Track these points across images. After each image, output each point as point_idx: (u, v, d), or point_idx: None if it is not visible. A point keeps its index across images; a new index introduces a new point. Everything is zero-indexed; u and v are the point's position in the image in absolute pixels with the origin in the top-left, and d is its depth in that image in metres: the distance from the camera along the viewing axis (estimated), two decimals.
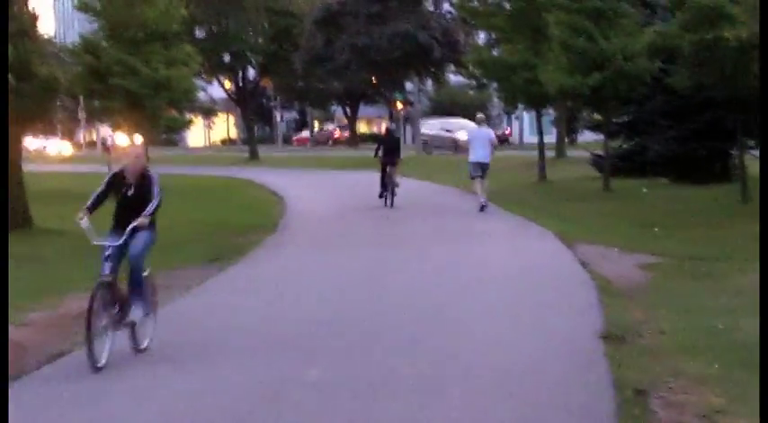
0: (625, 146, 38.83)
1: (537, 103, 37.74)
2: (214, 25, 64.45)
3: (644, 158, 37.06)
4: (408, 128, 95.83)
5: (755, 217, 24.65)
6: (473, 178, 28.32)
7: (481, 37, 54.31)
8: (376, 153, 30.93)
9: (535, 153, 58.65)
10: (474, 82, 41.21)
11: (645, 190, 32.46)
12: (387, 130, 34.06)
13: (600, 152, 40.11)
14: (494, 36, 42.47)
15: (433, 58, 57.54)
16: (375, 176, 31.71)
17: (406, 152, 64.33)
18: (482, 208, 27.30)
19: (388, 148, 30.69)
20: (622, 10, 32.34)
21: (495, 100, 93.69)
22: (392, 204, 29.44)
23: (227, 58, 66.65)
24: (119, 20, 39.66)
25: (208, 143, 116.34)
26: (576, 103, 37.02)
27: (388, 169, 30.19)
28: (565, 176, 39.46)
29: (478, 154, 28.20)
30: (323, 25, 59.21)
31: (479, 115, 30.33)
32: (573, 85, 31.45)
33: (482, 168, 28.02)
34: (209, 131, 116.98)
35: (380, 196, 30.10)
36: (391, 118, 65.50)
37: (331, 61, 59.06)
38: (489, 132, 29.17)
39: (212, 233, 23.19)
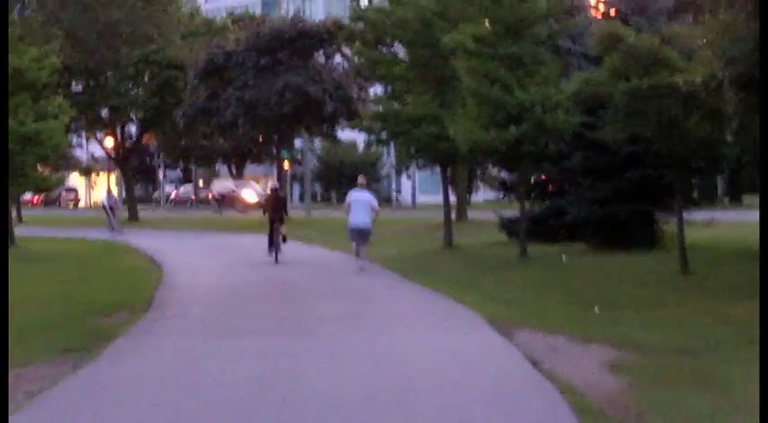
0: (537, 208, 35.75)
1: (444, 159, 34.36)
2: (91, 78, 60.39)
3: (559, 222, 33.96)
4: (296, 187, 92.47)
5: (704, 291, 21.73)
6: (352, 241, 28.21)
7: (375, 92, 51.12)
8: (264, 211, 32.71)
9: (433, 214, 56.13)
10: (370, 137, 37.46)
11: (564, 258, 29.23)
12: (272, 189, 34.63)
13: (509, 215, 37.15)
14: (391, 89, 39.11)
15: (326, 112, 54.10)
16: (263, 238, 32.47)
17: (293, 212, 61.23)
18: (360, 268, 27.23)
19: (275, 207, 32.07)
20: (541, 57, 29.27)
21: (386, 158, 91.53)
22: (277, 260, 30.67)
23: (105, 112, 62.56)
24: None
25: (88, 203, 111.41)
26: (488, 160, 33.62)
27: (275, 225, 31.54)
28: (472, 242, 36.17)
29: (357, 218, 27.93)
30: (207, 78, 55.44)
31: (361, 179, 29.77)
32: (487, 140, 28.18)
33: (361, 234, 27.90)
34: (91, 191, 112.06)
35: (269, 253, 31.37)
36: (278, 178, 62.01)
37: (216, 116, 55.28)
38: (370, 196, 28.72)
39: (73, 314, 19.16)
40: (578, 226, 32.30)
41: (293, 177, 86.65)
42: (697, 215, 30.49)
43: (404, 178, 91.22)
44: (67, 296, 21.81)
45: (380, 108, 35.91)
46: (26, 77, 35.83)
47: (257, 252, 34.71)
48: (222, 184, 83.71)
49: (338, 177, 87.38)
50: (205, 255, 34.25)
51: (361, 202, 28.17)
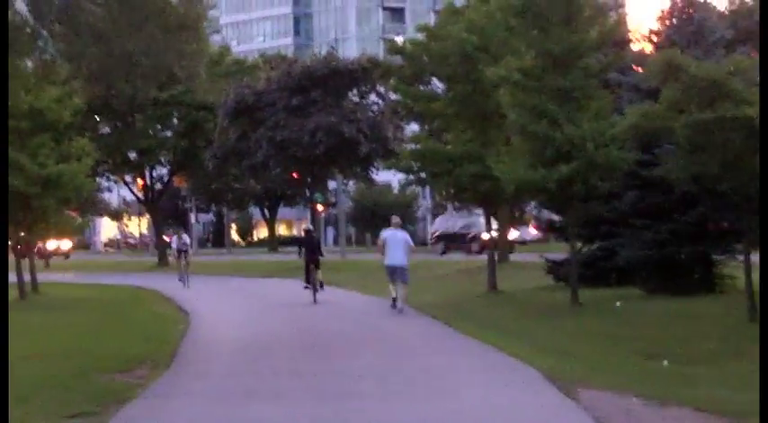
0: (585, 250, 33.80)
1: (486, 200, 32.47)
2: (118, 120, 59.07)
3: (610, 265, 32.01)
4: (330, 230, 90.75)
5: None
6: (390, 281, 27.97)
7: (412, 130, 49.38)
8: (299, 253, 33.63)
9: (473, 257, 54.30)
10: (408, 177, 35.60)
11: (618, 304, 27.26)
12: (306, 231, 35.55)
13: (555, 257, 35.25)
14: (427, 127, 37.32)
15: (360, 153, 52.41)
16: (296, 283, 33.47)
17: (328, 255, 59.52)
18: (395, 307, 27.27)
19: (310, 248, 32.70)
20: (591, 90, 27.42)
21: (422, 199, 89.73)
22: (315, 300, 31.12)
23: (133, 155, 61.19)
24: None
25: (119, 247, 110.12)
26: (536, 201, 31.72)
27: (311, 267, 32.09)
28: (517, 286, 34.23)
29: (395, 257, 27.66)
30: (237, 118, 53.87)
31: (395, 218, 29.46)
32: (535, 179, 26.33)
33: (398, 272, 27.61)
34: (123, 235, 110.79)
35: (306, 287, 31.97)
36: (312, 221, 60.47)
37: (247, 157, 53.68)
38: (405, 235, 28.66)
39: (85, 370, 17.31)
40: (631, 269, 30.38)
41: (327, 220, 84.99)
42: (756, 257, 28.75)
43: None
44: (82, 349, 19.96)
45: (418, 147, 34.06)
46: (47, 118, 34.41)
47: (291, 297, 33.35)
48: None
49: (372, 219, 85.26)
50: (237, 301, 32.47)
51: (397, 241, 27.98)
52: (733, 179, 22.32)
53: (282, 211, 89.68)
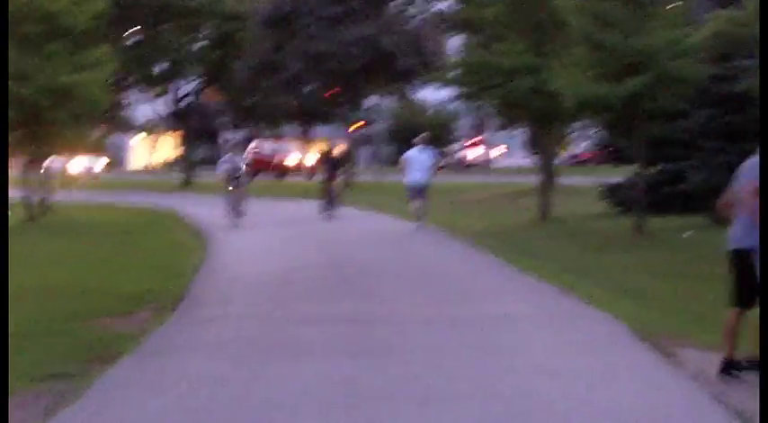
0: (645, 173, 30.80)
1: (543, 118, 29.40)
2: (146, 30, 56.14)
3: (675, 190, 29.07)
4: (365, 149, 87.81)
5: None
6: (411, 199, 28.20)
7: (455, 46, 46.17)
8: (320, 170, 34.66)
9: (513, 179, 51.42)
10: (460, 90, 32.49)
11: (687, 234, 24.37)
12: (326, 150, 35.28)
13: (611, 181, 32.43)
14: (476, 38, 34.19)
15: (399, 68, 49.27)
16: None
17: (365, 176, 56.79)
18: (418, 227, 27.20)
19: (329, 167, 33.46)
20: None
21: (463, 118, 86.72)
22: (331, 216, 31.92)
23: (161, 67, 58.33)
24: (11, 11, 31.30)
25: (149, 165, 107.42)
26: (600, 119, 28.64)
27: (327, 185, 33.05)
28: (569, 213, 31.32)
29: (415, 175, 28.10)
30: (272, 28, 50.72)
31: (420, 136, 29.51)
32: (600, 94, 23.34)
33: (419, 190, 27.82)
34: (153, 153, 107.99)
35: (320, 213, 32.31)
36: (349, 140, 57.63)
37: (281, 71, 50.64)
38: (430, 154, 28.94)
39: (78, 311, 14.61)
40: (700, 196, 27.41)
41: (364, 139, 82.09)
42: None
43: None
44: (81, 284, 17.21)
45: (467, 58, 31.00)
46: (61, 23, 31.48)
47: (320, 221, 31.57)
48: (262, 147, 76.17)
49: (410, 139, 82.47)
50: (262, 226, 29.65)
51: (420, 160, 28.28)
52: None
53: (318, 128, 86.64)
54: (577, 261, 20.23)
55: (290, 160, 70.81)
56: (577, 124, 40.07)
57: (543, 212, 30.03)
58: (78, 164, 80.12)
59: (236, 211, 29.73)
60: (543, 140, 34.69)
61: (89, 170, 79.20)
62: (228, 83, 60.10)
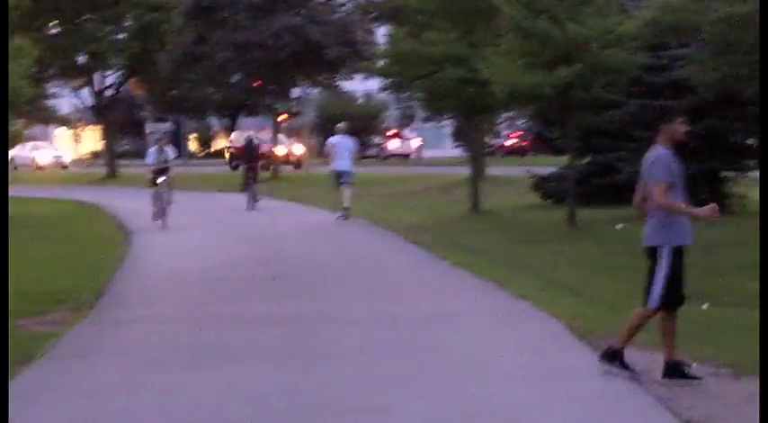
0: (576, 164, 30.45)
1: (473, 108, 28.85)
2: (67, 20, 54.98)
3: (605, 182, 28.78)
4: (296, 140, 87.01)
5: None
6: (335, 186, 28.33)
7: (383, 35, 45.61)
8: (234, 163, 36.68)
9: (442, 171, 50.84)
10: (386, 82, 31.89)
11: (620, 226, 23.98)
12: (247, 139, 37.37)
13: (541, 172, 32.10)
14: (399, 28, 33.51)
15: (327, 58, 48.59)
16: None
17: (289, 168, 55.98)
18: (343, 217, 27.34)
19: (250, 157, 34.91)
20: None
21: (391, 110, 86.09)
22: (254, 206, 32.40)
23: (82, 58, 57.19)
24: None
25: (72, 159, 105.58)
26: (529, 109, 28.21)
27: (250, 176, 33.71)
28: (500, 204, 30.90)
29: (341, 162, 28.33)
30: (196, 18, 49.77)
31: (340, 124, 30.05)
32: (532, 83, 22.90)
33: (344, 176, 28.01)
34: (77, 145, 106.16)
35: (246, 208, 32.37)
36: (274, 131, 56.99)
37: (206, 61, 49.74)
38: (351, 141, 29.33)
39: None
40: (631, 187, 27.03)
41: (290, 131, 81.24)
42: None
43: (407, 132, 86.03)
44: None
45: (396, 47, 30.34)
46: None
47: (249, 214, 31.13)
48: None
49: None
50: (189, 219, 28.89)
51: (343, 147, 28.59)
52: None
53: (243, 120, 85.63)
54: (511, 255, 19.75)
55: (279, 150, 64.43)
56: (506, 114, 39.80)
57: (475, 204, 29.56)
58: (47, 154, 78.18)
59: (161, 208, 26.83)
60: (473, 131, 34.25)
61: (58, 160, 77.12)
62: (152, 74, 59.03)
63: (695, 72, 20.01)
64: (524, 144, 71.25)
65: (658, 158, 10.01)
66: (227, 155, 68.29)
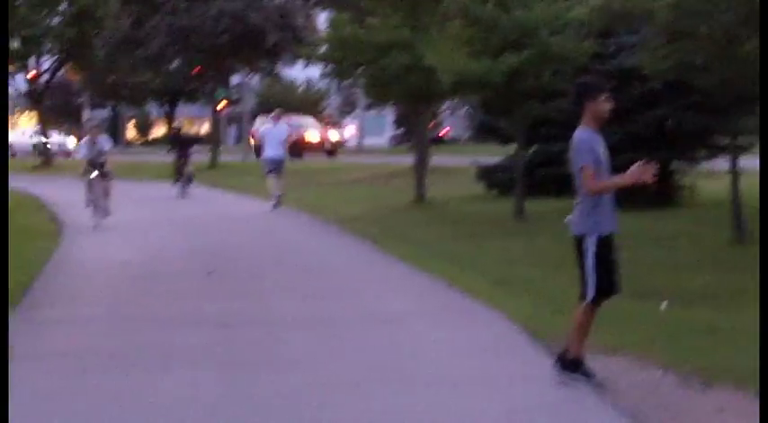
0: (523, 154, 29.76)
1: (418, 96, 28.09)
2: None
3: (552, 172, 28.10)
4: (233, 129, 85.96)
5: None
6: (267, 175, 28.49)
7: (326, 20, 44.73)
8: (169, 150, 36.72)
9: (383, 160, 50.06)
10: (326, 69, 31.01)
11: (568, 219, 23.28)
12: (174, 128, 39.38)
13: (487, 162, 31.40)
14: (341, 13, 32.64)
15: (267, 44, 47.64)
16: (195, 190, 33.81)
17: (230, 157, 55.04)
18: (274, 206, 27.51)
19: (182, 144, 34.85)
20: None
21: (332, 97, 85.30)
22: (182, 195, 32.81)
23: (16, 44, 55.72)
24: None
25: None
26: (475, 97, 27.47)
27: (182, 163, 34.00)
28: (445, 194, 30.17)
29: (272, 150, 28.60)
30: (133, 2, 48.60)
31: (276, 111, 31.05)
32: (478, 71, 22.20)
33: (275, 164, 28.20)
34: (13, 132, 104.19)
35: (177, 196, 32.86)
36: (213, 119, 55.78)
37: (142, 47, 48.60)
38: (284, 129, 29.69)
39: None
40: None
41: (230, 118, 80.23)
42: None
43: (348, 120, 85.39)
44: None
45: (339, 33, 29.50)
46: None
47: (188, 204, 30.58)
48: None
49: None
50: (125, 210, 27.90)
51: (275, 135, 28.92)
52: (724, 71, 18.33)
53: (183, 108, 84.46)
54: (459, 248, 19.02)
55: (310, 136, 61.03)
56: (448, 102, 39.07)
57: (419, 195, 28.84)
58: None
59: (97, 205, 24.05)
60: (417, 119, 33.51)
61: (62, 147, 74.16)
62: (89, 60, 57.81)
63: (646, 60, 19.31)
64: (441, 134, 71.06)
65: (581, 141, 9.26)
66: (251, 143, 63.52)
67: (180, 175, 33.64)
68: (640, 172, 9.12)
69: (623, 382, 9.49)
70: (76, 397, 8.89)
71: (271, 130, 29.36)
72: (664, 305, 13.26)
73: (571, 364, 9.39)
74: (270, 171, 28.21)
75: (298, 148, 55.73)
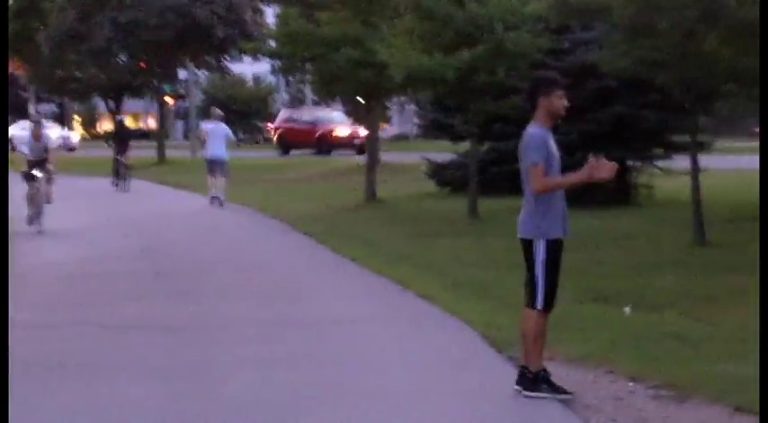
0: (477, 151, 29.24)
1: (368, 92, 27.51)
2: None
3: (505, 170, 27.62)
4: (180, 124, 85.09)
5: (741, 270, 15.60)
6: (209, 173, 28.33)
7: (274, 14, 44.09)
8: (108, 144, 37.55)
9: (338, 157, 49.50)
10: (275, 63, 30.39)
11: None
12: (118, 122, 39.11)
13: (438, 159, 30.91)
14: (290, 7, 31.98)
15: (214, 39, 46.94)
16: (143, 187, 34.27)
17: (178, 152, 54.31)
18: (212, 201, 27.50)
19: (122, 139, 35.40)
20: None
21: (281, 93, 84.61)
22: (127, 189, 33.36)
23: None
24: None
25: None
26: (431, 93, 26.89)
27: (120, 158, 34.51)
28: (397, 193, 29.60)
29: (215, 150, 28.39)
30: None
31: (216, 111, 30.58)
32: (431, 66, 21.65)
33: (218, 164, 28.01)
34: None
35: (114, 188, 33.90)
36: (160, 114, 54.92)
37: (87, 41, 47.71)
38: (226, 128, 29.33)
39: None
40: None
41: (176, 113, 79.37)
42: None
43: None
44: None
45: (288, 27, 28.82)
46: None
47: (129, 201, 29.80)
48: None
49: (227, 114, 79.97)
50: (66, 208, 27.08)
51: (218, 134, 28.56)
52: (684, 68, 17.89)
53: (129, 103, 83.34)
54: (413, 249, 18.46)
55: (339, 131, 56.67)
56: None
57: (371, 193, 28.26)
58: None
59: (37, 211, 22.13)
60: (368, 115, 32.94)
61: (66, 141, 71.49)
62: (34, 54, 56.74)
63: (605, 57, 18.84)
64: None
65: (532, 137, 8.67)
66: (274, 138, 59.93)
67: (119, 169, 34.09)
68: (594, 169, 8.57)
69: (593, 396, 9.00)
70: (18, 409, 8.26)
71: (213, 129, 28.97)
72: (627, 310, 12.78)
73: (535, 380, 8.88)
74: (212, 170, 28.02)
75: (326, 143, 54.59)
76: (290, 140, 56.02)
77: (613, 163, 8.66)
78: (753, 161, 38.25)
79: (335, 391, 9.07)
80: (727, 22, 16.59)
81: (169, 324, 12.09)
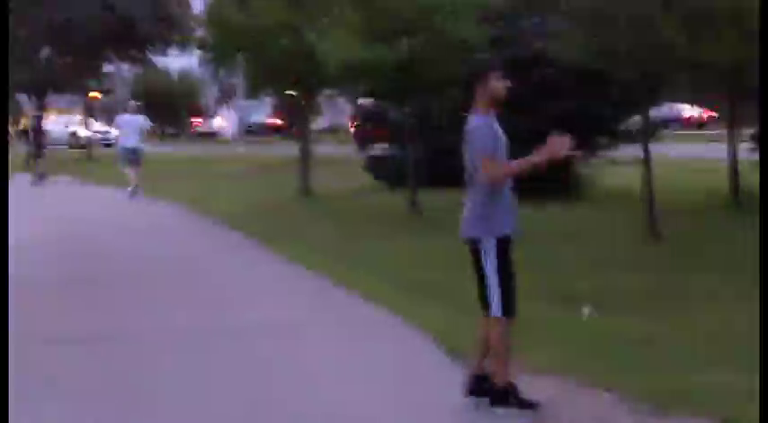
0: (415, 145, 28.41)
1: (303, 83, 26.50)
2: None
3: (444, 164, 26.85)
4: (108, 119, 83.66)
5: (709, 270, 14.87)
6: (125, 164, 29.09)
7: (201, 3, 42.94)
8: (27, 142, 37.77)
9: (259, 150, 48.60)
10: (206, 55, 29.26)
11: None
12: (35, 117, 39.69)
13: (376, 153, 30.18)
14: None
15: (141, 31, 45.75)
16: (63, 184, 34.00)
17: (103, 150, 53.14)
18: (133, 193, 28.00)
19: (37, 135, 36.66)
20: None
21: (211, 87, 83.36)
22: (40, 185, 33.09)
23: None
24: None
25: None
26: (367, 85, 25.92)
27: (34, 151, 35.78)
28: (332, 187, 28.72)
29: (127, 140, 29.36)
30: None
31: (131, 102, 31.48)
32: (369, 57, 20.73)
33: (133, 153, 28.86)
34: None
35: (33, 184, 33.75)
36: (86, 110, 53.71)
37: (9, 37, 46.35)
38: (141, 119, 30.03)
39: None
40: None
41: (103, 109, 77.94)
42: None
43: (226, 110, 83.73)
44: None
45: (219, 16, 27.75)
46: None
47: (52, 200, 28.57)
48: None
49: (155, 109, 78.45)
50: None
51: (133, 125, 29.37)
52: (643, 59, 17.12)
53: (53, 98, 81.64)
54: (354, 248, 17.50)
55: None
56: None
57: (305, 187, 27.29)
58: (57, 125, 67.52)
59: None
60: (301, 108, 31.96)
61: (105, 136, 68.07)
62: None
63: (559, 48, 17.99)
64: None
65: (477, 128, 7.81)
66: (351, 131, 56.56)
67: (35, 166, 34.98)
68: (555, 145, 7.72)
69: (566, 410, 8.16)
70: None
71: (127, 120, 29.73)
72: (586, 312, 11.95)
73: (503, 395, 8.02)
74: (127, 160, 28.87)
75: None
76: (366, 135, 53.43)
77: (567, 136, 7.80)
78: (688, 150, 37.94)
79: (269, 409, 8.15)
80: (684, 10, 15.91)
81: (85, 337, 11.05)
